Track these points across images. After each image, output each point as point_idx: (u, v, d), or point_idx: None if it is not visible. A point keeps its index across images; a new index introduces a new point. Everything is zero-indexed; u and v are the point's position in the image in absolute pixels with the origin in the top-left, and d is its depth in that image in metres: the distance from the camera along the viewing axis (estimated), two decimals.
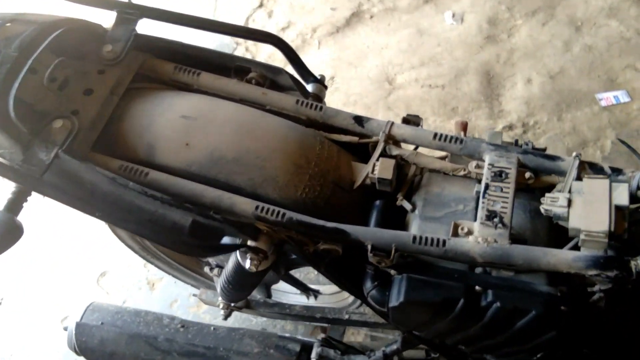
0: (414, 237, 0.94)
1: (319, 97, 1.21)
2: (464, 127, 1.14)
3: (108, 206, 0.97)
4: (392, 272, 0.97)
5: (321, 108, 1.10)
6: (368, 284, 1.02)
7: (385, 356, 1.26)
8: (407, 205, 1.05)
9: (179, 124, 1.04)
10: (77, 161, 0.95)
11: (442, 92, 2.54)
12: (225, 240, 1.09)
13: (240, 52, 2.80)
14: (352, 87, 2.61)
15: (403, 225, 1.05)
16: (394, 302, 0.95)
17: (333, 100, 2.56)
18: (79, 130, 1.00)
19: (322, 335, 1.33)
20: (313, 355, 1.31)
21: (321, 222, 0.97)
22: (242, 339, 1.40)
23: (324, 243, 0.99)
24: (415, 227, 1.02)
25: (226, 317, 1.52)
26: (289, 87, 1.16)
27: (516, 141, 1.10)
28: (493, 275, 0.95)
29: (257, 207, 0.97)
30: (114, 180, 0.95)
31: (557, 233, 0.96)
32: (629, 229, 0.88)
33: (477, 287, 0.93)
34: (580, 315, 0.93)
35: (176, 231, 0.92)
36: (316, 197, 1.03)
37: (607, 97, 2.39)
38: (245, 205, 0.98)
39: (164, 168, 1.01)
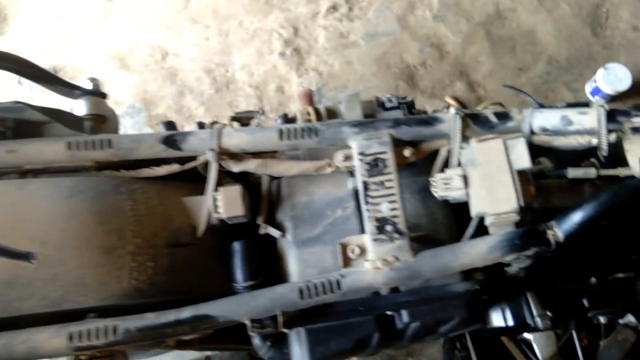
0: (300, 291, 0.71)
1: (99, 117, 0.82)
2: (309, 97, 0.86)
3: None
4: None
5: (110, 142, 0.74)
6: (260, 347, 0.80)
7: None
8: (275, 232, 0.80)
9: None
10: None
11: None
12: None
13: None
14: (145, 8, 2.08)
15: (277, 259, 0.81)
16: None
17: (128, 25, 2.02)
18: None
19: None
20: None
21: (173, 315, 0.69)
22: None
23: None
24: (294, 260, 0.78)
25: None
26: (43, 121, 0.76)
27: (378, 100, 0.86)
28: (402, 292, 0.77)
29: (70, 337, 0.66)
30: None
31: (454, 206, 0.80)
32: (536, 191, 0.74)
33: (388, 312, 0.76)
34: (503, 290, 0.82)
35: None
36: (152, 275, 0.73)
37: None
38: (52, 340, 0.65)
39: None
